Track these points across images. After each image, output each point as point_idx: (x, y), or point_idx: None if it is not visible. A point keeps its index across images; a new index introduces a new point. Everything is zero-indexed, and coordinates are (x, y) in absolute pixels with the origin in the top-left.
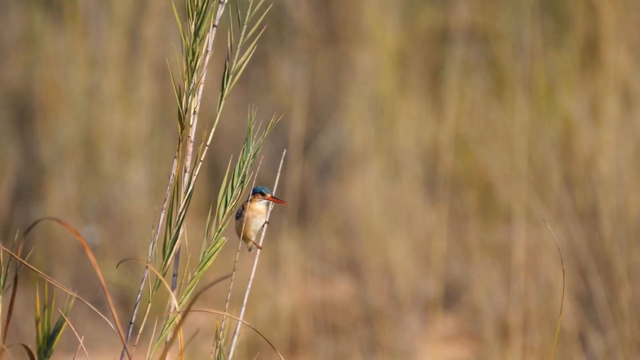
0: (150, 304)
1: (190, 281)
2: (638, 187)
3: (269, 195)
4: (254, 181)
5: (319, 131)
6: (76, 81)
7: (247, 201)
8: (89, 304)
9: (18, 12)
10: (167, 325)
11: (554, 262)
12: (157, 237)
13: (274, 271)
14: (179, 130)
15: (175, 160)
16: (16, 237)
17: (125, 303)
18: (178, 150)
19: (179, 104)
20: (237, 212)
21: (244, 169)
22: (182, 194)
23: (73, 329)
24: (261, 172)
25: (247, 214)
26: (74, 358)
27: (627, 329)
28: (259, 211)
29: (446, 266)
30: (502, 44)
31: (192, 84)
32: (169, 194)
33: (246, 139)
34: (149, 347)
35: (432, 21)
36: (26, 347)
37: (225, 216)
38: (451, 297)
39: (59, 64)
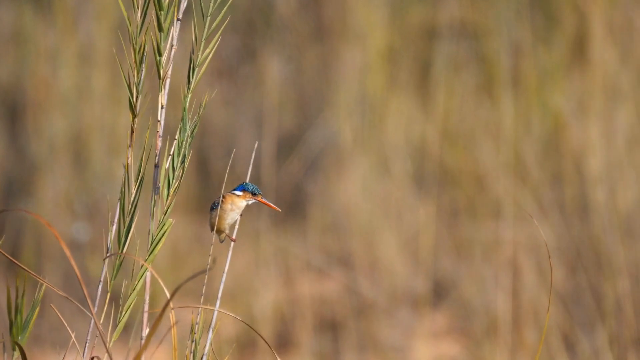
0: (134, 300)
1: (141, 267)
2: (627, 182)
3: (260, 197)
4: (247, 178)
5: (308, 127)
6: (66, 77)
7: (228, 193)
8: (71, 299)
9: (8, 9)
10: (154, 322)
11: (543, 258)
12: (114, 228)
13: (263, 267)
14: (131, 119)
15: (129, 150)
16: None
17: (116, 299)
18: (130, 140)
19: (129, 93)
20: (213, 204)
21: (183, 149)
22: (133, 182)
23: (64, 322)
24: (250, 169)
25: (226, 206)
26: (65, 354)
27: (614, 325)
28: (239, 207)
29: (435, 262)
30: (491, 41)
31: (141, 73)
32: (121, 183)
33: (182, 118)
34: (130, 343)
35: (422, 18)
36: (17, 344)
37: (169, 197)
38: (441, 293)
39: (48, 60)
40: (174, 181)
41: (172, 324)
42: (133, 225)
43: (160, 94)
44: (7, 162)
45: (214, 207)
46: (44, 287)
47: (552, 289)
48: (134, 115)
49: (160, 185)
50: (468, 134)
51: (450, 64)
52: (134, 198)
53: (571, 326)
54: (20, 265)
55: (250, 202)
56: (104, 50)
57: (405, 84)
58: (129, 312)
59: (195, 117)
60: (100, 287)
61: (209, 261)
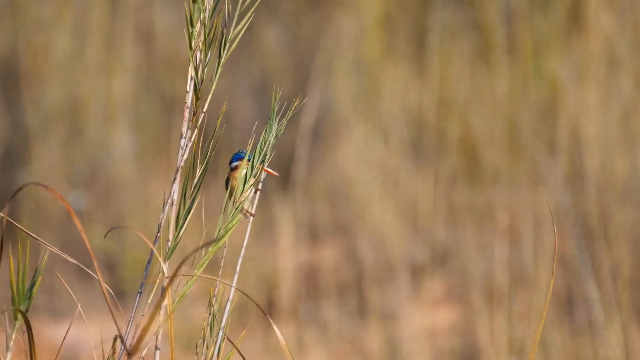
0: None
1: (204, 255)
2: (623, 149)
3: (258, 165)
4: (248, 147)
5: (305, 95)
6: (61, 47)
7: (233, 169)
8: (79, 264)
9: None
10: (153, 289)
11: (540, 225)
12: (166, 209)
13: (261, 236)
14: (194, 102)
15: (189, 132)
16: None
17: (111, 268)
18: (192, 122)
19: (194, 75)
20: (226, 181)
21: (265, 149)
22: (199, 165)
23: (70, 290)
24: (246, 137)
25: (232, 183)
26: (70, 324)
27: (612, 292)
28: (244, 177)
29: (433, 230)
30: (487, 8)
31: (208, 58)
32: (181, 166)
33: (269, 120)
34: (134, 310)
35: None
36: (21, 312)
37: (243, 193)
38: (438, 261)
39: (44, 29)
40: (249, 179)
41: (167, 292)
42: (193, 208)
43: (190, 66)
44: (4, 131)
45: (227, 186)
46: (46, 254)
47: (550, 256)
48: (198, 98)
49: (237, 182)
50: (464, 101)
51: (446, 31)
52: (198, 180)
53: (568, 293)
54: (25, 230)
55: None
56: (98, 20)
57: (402, 52)
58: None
59: (284, 120)
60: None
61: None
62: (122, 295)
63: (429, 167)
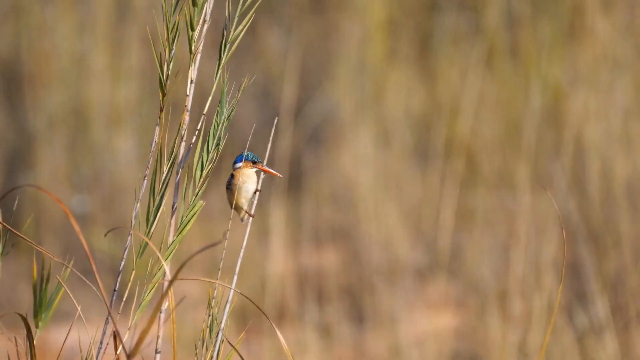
0: (134, 271)
1: (169, 246)
2: (625, 153)
3: (260, 164)
4: (246, 149)
5: (308, 99)
6: (65, 50)
7: (235, 169)
8: (76, 272)
9: None
10: (148, 292)
11: (543, 229)
12: (138, 205)
13: (263, 239)
14: (160, 98)
15: (157, 128)
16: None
17: (115, 271)
18: (160, 118)
19: (159, 71)
20: (227, 182)
21: (218, 132)
22: (165, 161)
23: (71, 295)
24: (251, 141)
25: (237, 180)
26: (70, 327)
27: (615, 297)
28: (249, 176)
29: (436, 234)
30: (490, 13)
31: (172, 52)
32: (151, 161)
33: (219, 101)
34: (132, 313)
35: None
36: (21, 316)
37: (202, 179)
38: (441, 265)
39: (48, 33)
40: (208, 163)
41: (170, 296)
42: (163, 204)
43: (190, 69)
44: (7, 135)
45: (228, 187)
46: (51, 262)
47: (553, 261)
48: (164, 94)
49: (194, 166)
50: (467, 106)
51: (449, 36)
52: (166, 177)
53: (571, 298)
54: (25, 238)
55: (254, 171)
56: (103, 23)
57: (405, 56)
58: (152, 291)
59: (233, 100)
60: (121, 265)
61: (225, 234)
62: (121, 297)
63: (432, 171)
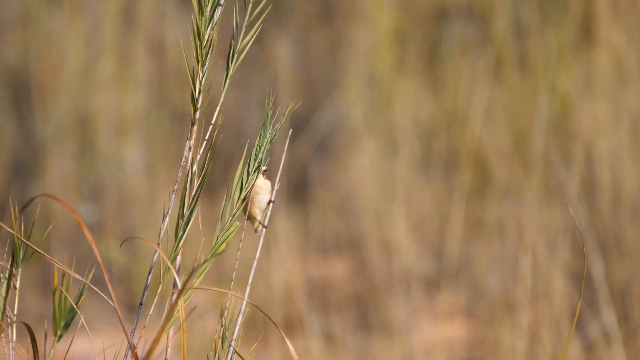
0: (148, 282)
1: (202, 263)
2: (634, 163)
3: (263, 169)
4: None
5: (316, 109)
6: (73, 60)
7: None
8: (85, 281)
9: None
10: (166, 304)
11: (552, 239)
12: (167, 220)
13: (270, 249)
14: (192, 112)
15: (188, 142)
16: (14, 214)
17: (124, 281)
18: (190, 133)
19: (192, 87)
20: None
21: (260, 154)
22: (195, 176)
23: (75, 305)
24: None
25: (251, 190)
26: (72, 337)
27: (622, 307)
28: (260, 186)
29: (444, 243)
30: (498, 23)
31: (205, 67)
32: (180, 175)
33: (263, 125)
34: (146, 322)
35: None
36: (26, 325)
37: (239, 201)
38: (450, 275)
39: (55, 42)
40: (246, 185)
41: (180, 305)
42: (192, 220)
43: (197, 79)
44: (15, 144)
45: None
46: (63, 275)
47: (562, 270)
48: (195, 109)
49: (234, 186)
50: (476, 116)
51: (457, 45)
52: (196, 192)
53: (580, 307)
54: (39, 251)
55: (267, 181)
56: (109, 33)
57: (413, 66)
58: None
59: (277, 124)
60: (148, 280)
61: (239, 245)
62: (134, 308)
63: (440, 181)
